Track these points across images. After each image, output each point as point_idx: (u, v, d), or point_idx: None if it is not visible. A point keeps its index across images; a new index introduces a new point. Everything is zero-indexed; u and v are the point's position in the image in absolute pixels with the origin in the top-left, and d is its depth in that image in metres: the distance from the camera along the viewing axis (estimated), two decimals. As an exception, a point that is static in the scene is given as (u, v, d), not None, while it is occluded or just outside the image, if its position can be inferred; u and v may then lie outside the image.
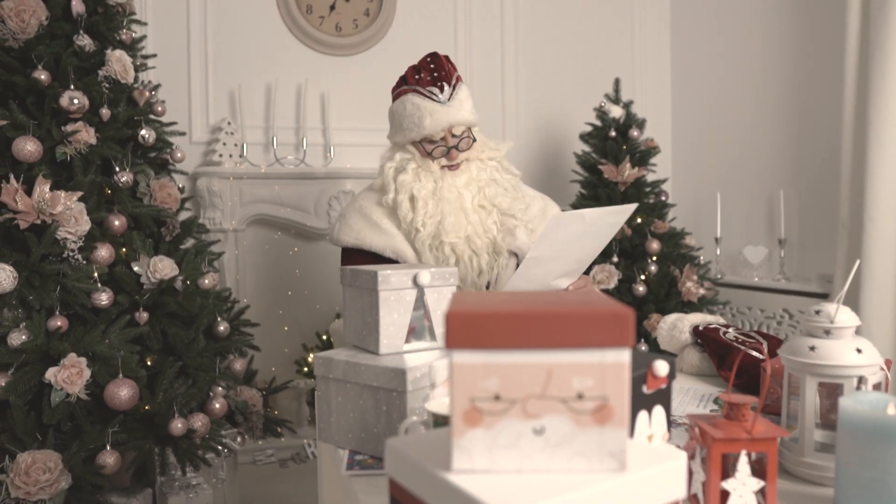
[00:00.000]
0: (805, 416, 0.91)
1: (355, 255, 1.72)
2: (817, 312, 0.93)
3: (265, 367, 2.84)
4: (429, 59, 1.70)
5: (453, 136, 1.67)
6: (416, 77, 1.69)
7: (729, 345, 1.47)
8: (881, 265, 2.44)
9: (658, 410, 0.75)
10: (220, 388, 2.15)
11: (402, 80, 1.73)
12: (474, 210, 1.67)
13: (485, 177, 1.70)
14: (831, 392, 0.98)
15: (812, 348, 0.91)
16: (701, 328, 1.52)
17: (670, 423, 0.79)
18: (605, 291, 2.78)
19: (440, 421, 0.84)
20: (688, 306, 2.79)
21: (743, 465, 0.79)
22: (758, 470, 0.84)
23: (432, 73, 1.67)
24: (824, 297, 2.78)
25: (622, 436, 0.56)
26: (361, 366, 1.02)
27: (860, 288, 2.48)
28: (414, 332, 1.10)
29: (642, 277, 2.80)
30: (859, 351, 0.90)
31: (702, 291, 2.80)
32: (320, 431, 1.09)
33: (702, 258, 3.06)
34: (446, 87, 1.66)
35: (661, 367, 0.75)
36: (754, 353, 1.44)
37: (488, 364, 0.56)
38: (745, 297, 3.12)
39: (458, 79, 1.71)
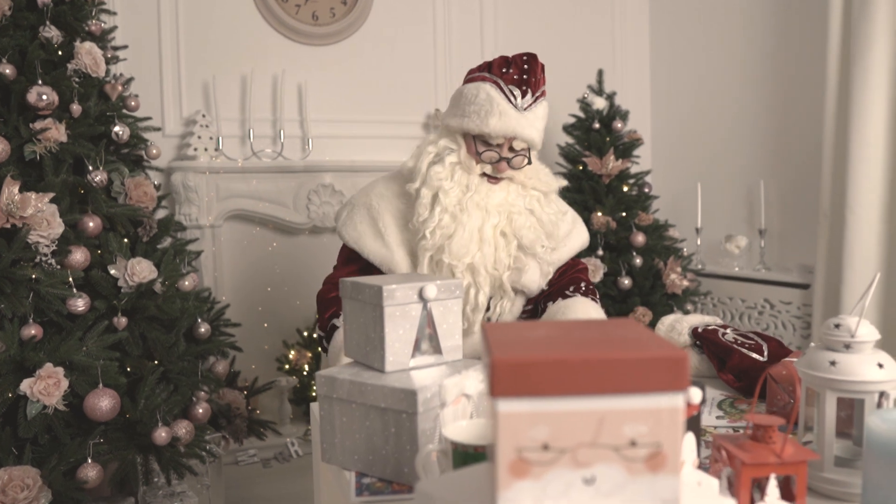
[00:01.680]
0: (825, 431, 0.90)
1: (353, 253, 1.62)
2: (837, 326, 0.91)
3: (245, 365, 2.77)
4: (525, 58, 1.53)
5: (511, 148, 1.51)
6: (504, 70, 1.51)
7: (728, 346, 1.46)
8: (862, 258, 2.47)
9: (689, 437, 0.73)
10: (202, 393, 2.09)
11: (487, 66, 1.54)
12: (493, 237, 1.51)
13: (521, 204, 1.54)
14: (841, 403, 0.96)
15: (832, 363, 0.90)
16: (700, 329, 1.51)
17: (700, 448, 0.77)
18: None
19: (459, 449, 0.80)
20: (672, 298, 2.80)
21: (772, 488, 0.77)
22: (783, 489, 0.82)
23: (522, 73, 1.50)
24: (805, 287, 2.81)
25: (675, 482, 0.54)
26: (367, 385, 0.98)
27: (841, 280, 2.51)
28: (418, 346, 1.06)
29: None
30: (881, 366, 0.88)
31: (686, 283, 2.80)
32: (323, 452, 1.05)
33: (685, 250, 3.06)
34: (528, 95, 1.50)
35: (696, 394, 0.73)
36: (754, 356, 1.43)
37: (536, 412, 0.52)
38: (727, 287, 3.14)
39: (544, 93, 1.54)
